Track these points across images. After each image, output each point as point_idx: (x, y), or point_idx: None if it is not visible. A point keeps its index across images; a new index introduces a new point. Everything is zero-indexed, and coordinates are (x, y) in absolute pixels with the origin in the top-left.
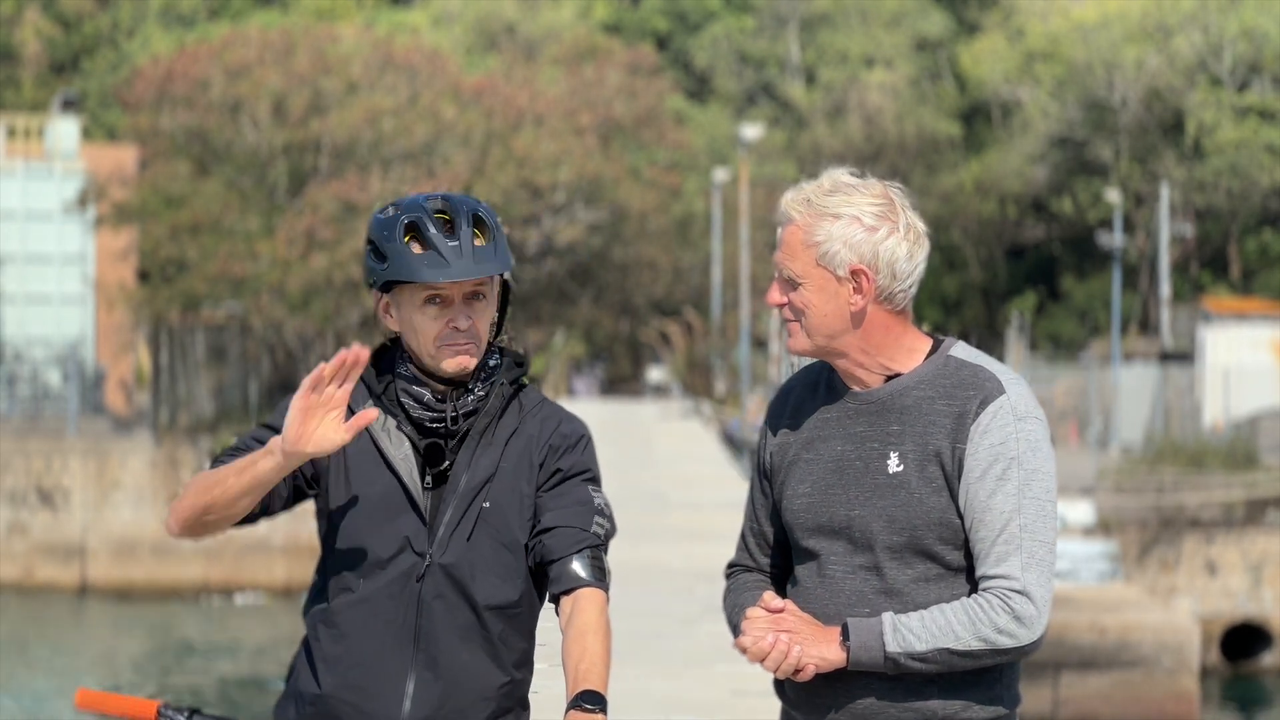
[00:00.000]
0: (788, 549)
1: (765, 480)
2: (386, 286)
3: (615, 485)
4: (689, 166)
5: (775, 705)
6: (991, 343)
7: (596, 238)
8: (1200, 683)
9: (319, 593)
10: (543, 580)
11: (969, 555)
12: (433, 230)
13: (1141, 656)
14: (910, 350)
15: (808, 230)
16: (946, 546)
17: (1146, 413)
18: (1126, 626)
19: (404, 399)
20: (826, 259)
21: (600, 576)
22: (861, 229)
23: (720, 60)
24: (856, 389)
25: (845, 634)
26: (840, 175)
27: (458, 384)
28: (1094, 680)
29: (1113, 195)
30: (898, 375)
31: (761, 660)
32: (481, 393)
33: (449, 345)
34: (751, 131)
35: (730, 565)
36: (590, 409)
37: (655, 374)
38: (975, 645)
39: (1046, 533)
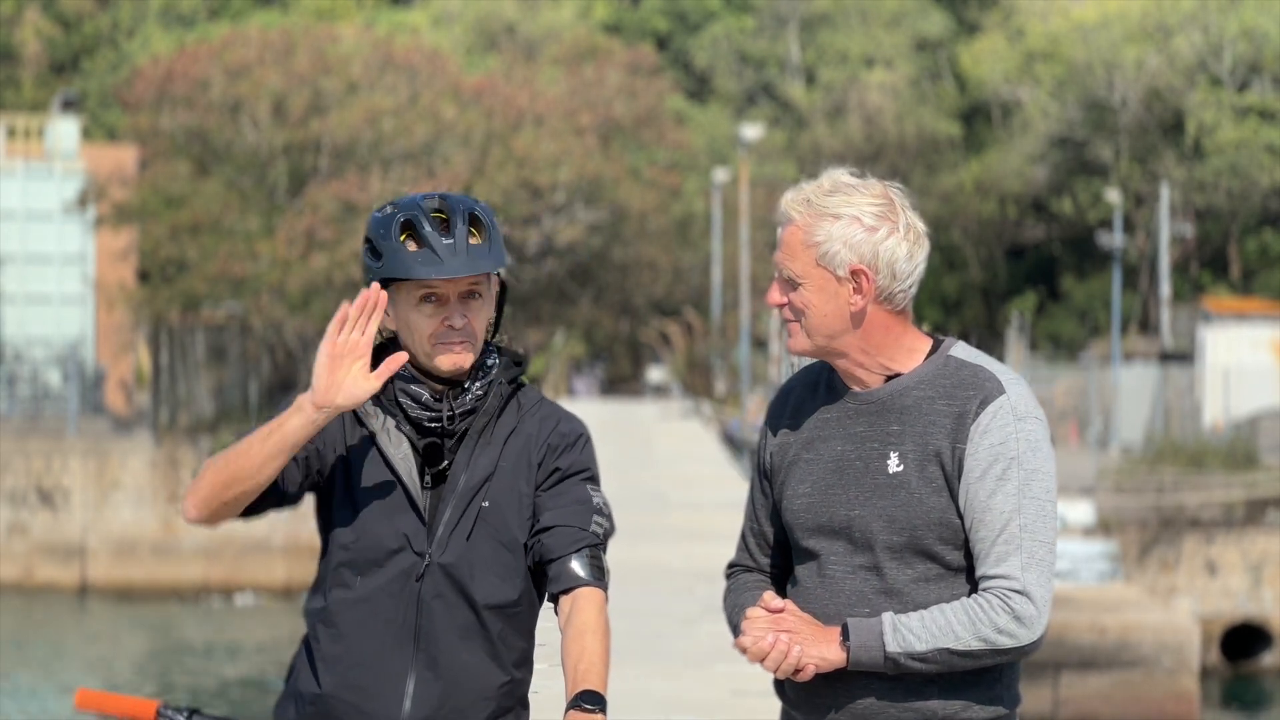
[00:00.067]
0: (788, 549)
1: (765, 480)
2: (383, 284)
3: (615, 485)
4: (689, 166)
5: (775, 705)
6: (991, 343)
7: (596, 238)
8: (1200, 683)
9: (318, 592)
10: (542, 579)
11: (969, 555)
12: (428, 228)
13: (1141, 656)
14: (910, 350)
15: (808, 230)
16: (946, 546)
17: (1146, 413)
18: (1126, 626)
19: (402, 398)
20: (826, 259)
21: (599, 576)
22: (861, 229)
23: (720, 60)
24: (856, 389)
25: (845, 634)
26: (840, 175)
27: (455, 383)
28: (1094, 680)
29: (1113, 195)
30: (898, 375)
31: (761, 660)
32: (479, 392)
33: (444, 343)
34: (751, 131)
35: (730, 565)
36: (590, 409)
37: (655, 374)
38: (975, 645)
39: (1046, 533)
